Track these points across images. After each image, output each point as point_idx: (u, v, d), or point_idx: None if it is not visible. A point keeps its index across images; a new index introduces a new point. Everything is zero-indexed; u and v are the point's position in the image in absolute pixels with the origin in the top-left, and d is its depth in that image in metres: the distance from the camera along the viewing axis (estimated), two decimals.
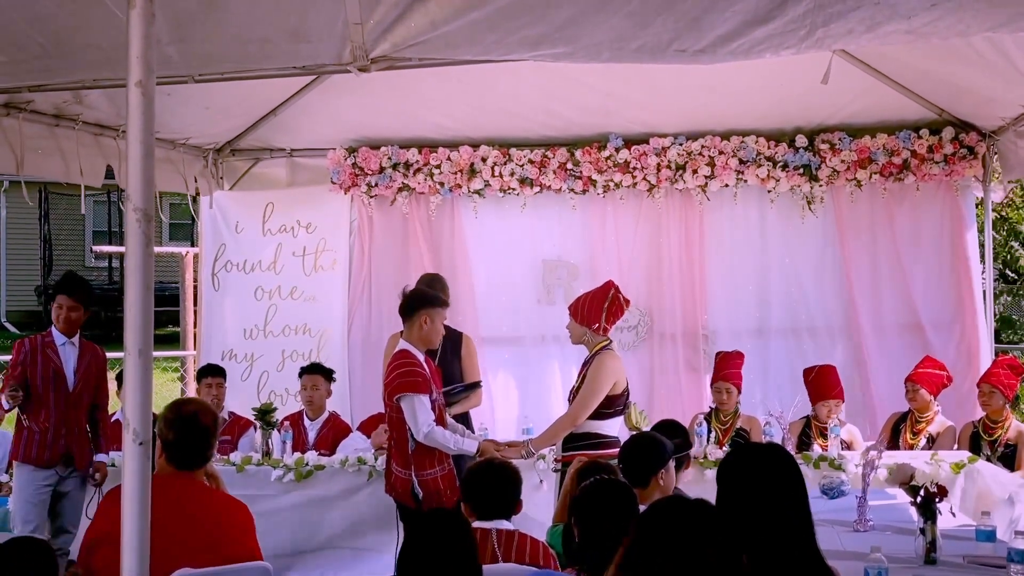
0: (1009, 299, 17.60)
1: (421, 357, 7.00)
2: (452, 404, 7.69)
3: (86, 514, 7.73)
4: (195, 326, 11.59)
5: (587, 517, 4.51)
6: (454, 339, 8.13)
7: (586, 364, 7.19)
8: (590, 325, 7.14)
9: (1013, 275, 18.45)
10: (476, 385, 8.12)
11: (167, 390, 15.53)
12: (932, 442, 8.54)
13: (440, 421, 6.91)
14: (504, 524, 5.11)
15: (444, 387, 7.55)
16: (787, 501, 3.83)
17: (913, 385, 8.64)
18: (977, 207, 10.16)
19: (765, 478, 3.87)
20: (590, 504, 4.55)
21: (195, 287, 11.58)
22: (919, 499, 5.68)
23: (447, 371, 7.90)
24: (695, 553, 3.30)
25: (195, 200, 10.44)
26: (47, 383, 7.73)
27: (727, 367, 8.92)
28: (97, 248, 25.27)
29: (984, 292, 9.87)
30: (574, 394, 7.20)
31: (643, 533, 3.41)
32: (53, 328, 7.87)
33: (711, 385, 9.03)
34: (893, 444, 8.57)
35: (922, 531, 5.60)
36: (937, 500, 5.63)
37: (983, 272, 9.96)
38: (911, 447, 8.54)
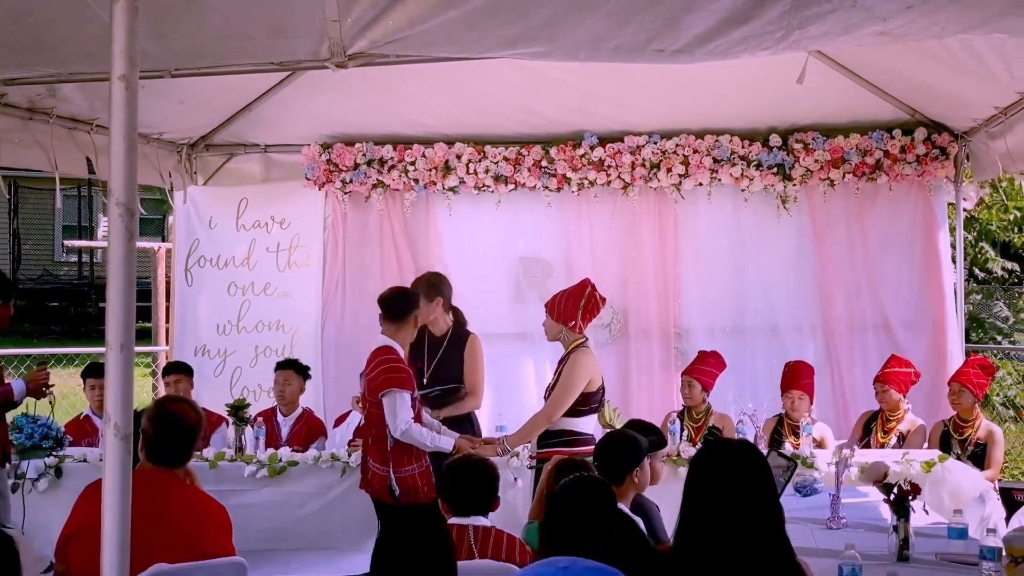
0: (979, 299, 17.73)
1: (403, 354, 7.06)
2: (444, 406, 7.67)
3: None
4: (167, 321, 11.56)
5: (566, 513, 4.52)
6: (458, 339, 8.02)
7: (562, 362, 7.21)
8: (566, 323, 7.15)
9: (983, 275, 18.58)
10: (454, 391, 7.89)
11: (138, 385, 15.37)
12: (903, 440, 8.60)
13: (417, 419, 6.94)
14: (481, 520, 5.12)
15: (430, 387, 7.62)
16: (758, 496, 3.85)
17: (882, 386, 8.70)
18: (949, 207, 10.20)
19: (737, 474, 3.89)
20: (569, 501, 4.57)
21: (167, 282, 11.56)
22: (892, 497, 5.73)
23: (444, 369, 7.87)
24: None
25: (170, 194, 10.40)
26: None
27: (698, 363, 9.00)
28: (68, 242, 25.19)
29: (955, 292, 9.94)
30: (550, 391, 7.21)
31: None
32: None
33: (681, 377, 9.10)
34: (864, 443, 8.63)
35: (895, 528, 5.64)
36: (910, 498, 5.67)
37: (954, 272, 10.02)
38: (882, 446, 8.60)
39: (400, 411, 6.80)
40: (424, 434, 6.91)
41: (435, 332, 7.98)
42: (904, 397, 8.70)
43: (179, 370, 9.29)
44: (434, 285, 7.95)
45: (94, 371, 9.27)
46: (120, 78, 3.23)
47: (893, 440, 8.62)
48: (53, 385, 7.64)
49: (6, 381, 7.50)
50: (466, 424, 7.80)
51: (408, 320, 7.12)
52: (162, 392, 10.73)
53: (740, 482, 3.87)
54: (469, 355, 8.01)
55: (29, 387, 7.49)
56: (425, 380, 7.77)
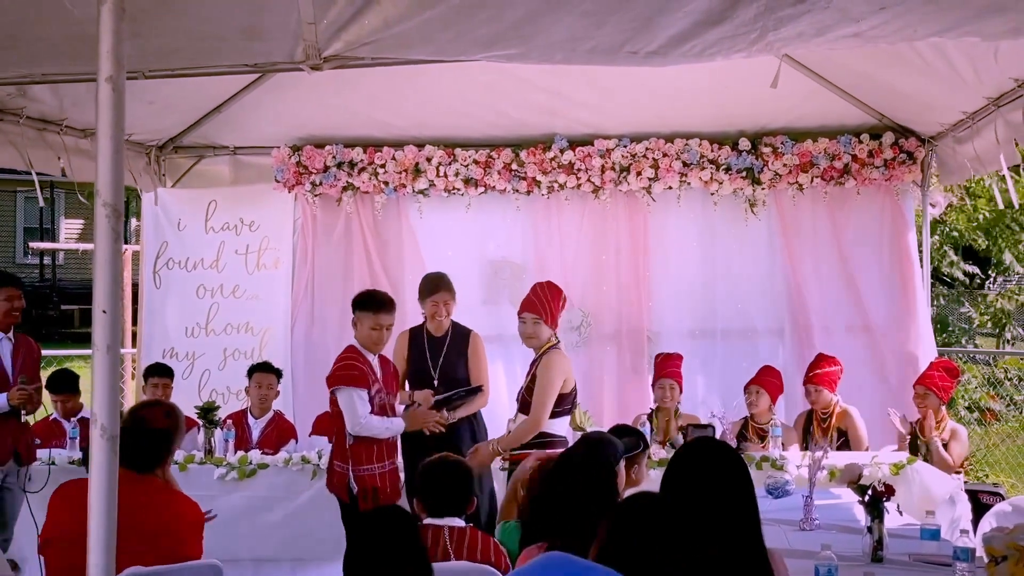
0: (944, 303, 17.85)
1: (371, 357, 7.15)
2: (456, 408, 7.68)
3: (30, 510, 7.62)
4: (133, 324, 11.50)
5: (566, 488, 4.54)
6: (460, 338, 8.10)
7: (534, 363, 7.21)
8: (556, 326, 7.19)
9: (947, 278, 18.72)
10: (478, 389, 7.93)
11: None
12: (844, 436, 8.65)
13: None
14: (456, 522, 5.12)
15: (447, 390, 7.67)
16: (736, 495, 3.86)
17: (815, 387, 8.77)
18: (917, 210, 10.27)
19: (715, 473, 3.90)
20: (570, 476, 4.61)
21: (134, 284, 11.49)
22: (867, 498, 5.76)
23: (451, 369, 7.93)
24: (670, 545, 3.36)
25: (138, 197, 10.34)
26: None
27: (668, 366, 9.02)
28: (34, 244, 25.01)
29: (924, 294, 9.99)
30: (522, 394, 7.21)
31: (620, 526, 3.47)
32: None
33: (653, 384, 9.10)
34: (804, 444, 8.66)
35: (869, 530, 5.68)
36: (885, 499, 5.71)
37: (921, 275, 10.07)
38: None
39: (357, 407, 6.93)
40: (376, 423, 7.01)
41: (435, 332, 8.03)
42: (834, 394, 8.79)
43: (160, 373, 9.24)
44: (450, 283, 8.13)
45: (59, 385, 9.22)
46: (107, 80, 3.23)
47: (835, 437, 8.66)
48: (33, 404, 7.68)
49: None
50: (471, 422, 7.90)
51: (353, 320, 7.25)
52: (129, 395, 10.72)
53: (717, 482, 3.89)
54: (473, 354, 8.07)
55: (13, 403, 7.51)
56: (435, 382, 7.82)
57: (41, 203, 8.55)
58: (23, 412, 7.73)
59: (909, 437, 8.44)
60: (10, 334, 7.85)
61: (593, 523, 3.83)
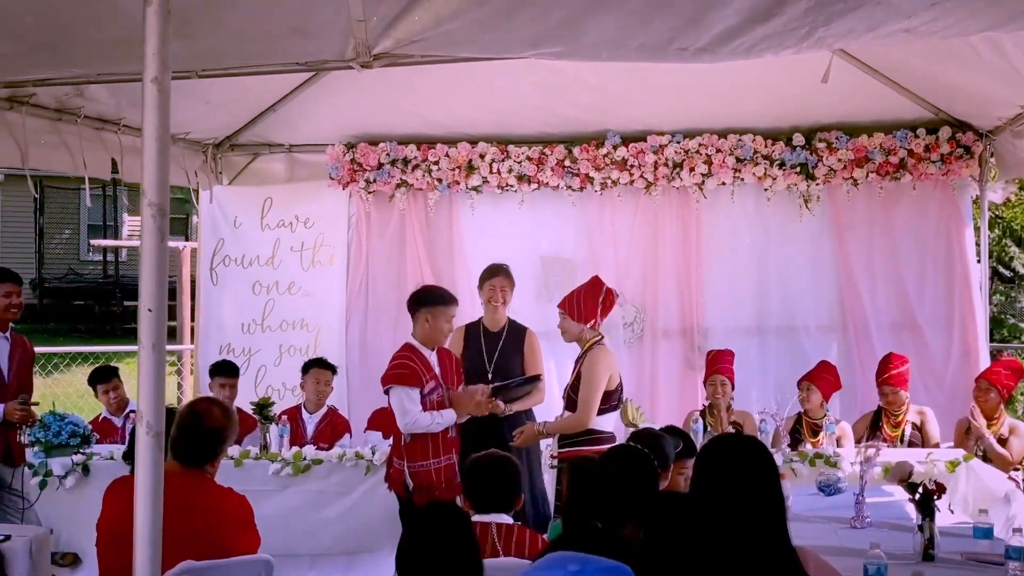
0: (1003, 298, 17.62)
1: (427, 353, 7.12)
2: (513, 400, 7.63)
3: (28, 500, 7.71)
4: (192, 320, 11.62)
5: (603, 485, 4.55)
6: (516, 334, 8.14)
7: (579, 361, 7.22)
8: (587, 322, 7.17)
9: (1008, 273, 18.47)
10: (536, 378, 7.90)
11: None
12: (918, 429, 8.58)
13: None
14: (504, 518, 5.12)
15: (503, 381, 7.62)
16: (760, 491, 3.83)
17: (893, 388, 8.63)
18: (973, 205, 10.16)
19: (739, 468, 3.87)
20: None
21: (192, 281, 11.61)
22: (918, 496, 5.72)
23: (507, 366, 7.94)
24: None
25: (195, 194, 10.42)
26: None
27: (720, 362, 8.96)
28: (95, 242, 25.23)
29: (980, 290, 9.87)
30: (568, 391, 7.22)
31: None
32: None
33: (704, 381, 9.06)
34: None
35: (920, 528, 5.63)
36: (935, 497, 5.66)
37: (979, 271, 9.96)
38: (894, 439, 8.55)
39: (405, 405, 6.90)
40: (426, 418, 6.94)
41: (492, 328, 8.08)
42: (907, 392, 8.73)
43: (226, 372, 9.31)
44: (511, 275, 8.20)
45: (101, 376, 9.36)
46: (153, 80, 3.27)
47: (908, 431, 8.60)
48: (31, 422, 7.72)
49: None
50: (526, 418, 7.86)
51: (416, 318, 7.19)
52: (188, 391, 10.82)
53: (744, 475, 3.85)
54: (529, 350, 8.10)
55: (10, 419, 7.51)
56: (490, 377, 7.80)
57: (88, 202, 8.59)
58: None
59: (977, 435, 8.34)
60: (7, 333, 7.77)
61: (625, 520, 3.85)
